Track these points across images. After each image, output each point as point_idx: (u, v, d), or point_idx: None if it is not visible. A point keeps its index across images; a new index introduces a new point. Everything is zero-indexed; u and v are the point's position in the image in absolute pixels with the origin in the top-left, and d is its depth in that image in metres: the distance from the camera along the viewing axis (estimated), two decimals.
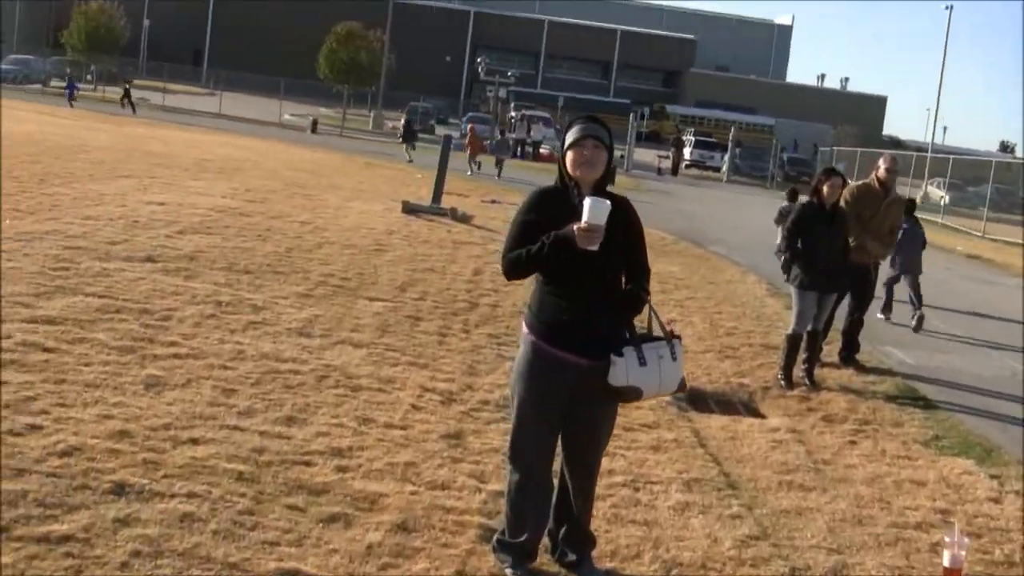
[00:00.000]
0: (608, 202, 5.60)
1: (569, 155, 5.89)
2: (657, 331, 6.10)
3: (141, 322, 10.54)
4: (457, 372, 10.59)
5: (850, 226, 12.84)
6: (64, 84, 65.09)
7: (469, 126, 48.97)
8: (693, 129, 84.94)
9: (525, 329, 6.07)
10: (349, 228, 19.62)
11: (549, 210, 5.86)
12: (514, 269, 5.92)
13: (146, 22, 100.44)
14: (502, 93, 59.28)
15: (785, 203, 23.62)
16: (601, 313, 5.88)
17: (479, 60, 60.29)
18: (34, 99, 59.80)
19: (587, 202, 5.55)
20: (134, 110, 59.43)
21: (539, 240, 5.73)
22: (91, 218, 16.57)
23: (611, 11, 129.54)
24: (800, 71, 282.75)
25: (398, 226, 20.99)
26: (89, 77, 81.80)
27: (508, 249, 5.95)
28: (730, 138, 67.35)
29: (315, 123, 61.09)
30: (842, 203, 12.75)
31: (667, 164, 62.28)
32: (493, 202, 29.73)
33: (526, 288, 16.04)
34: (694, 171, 68.50)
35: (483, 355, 11.48)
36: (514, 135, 60.35)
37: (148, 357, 9.40)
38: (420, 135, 64.12)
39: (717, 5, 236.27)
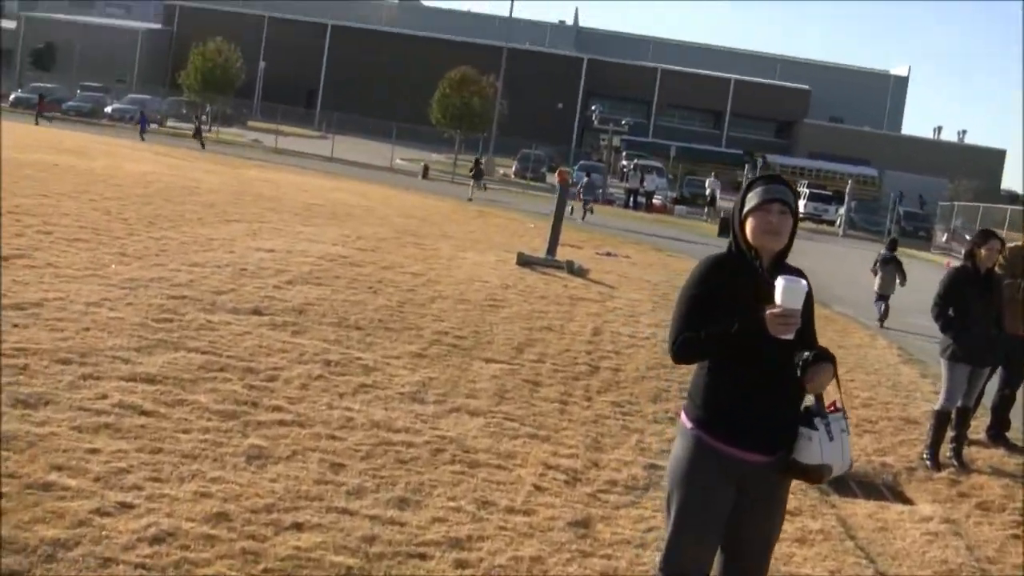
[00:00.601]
0: (804, 282, 4.81)
1: (750, 220, 5.12)
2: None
3: (245, 382, 9.88)
4: (581, 446, 9.80)
5: (1005, 292, 11.87)
6: (192, 126, 65.39)
7: (559, 170, 47.70)
8: (807, 182, 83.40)
9: (688, 423, 5.23)
10: (463, 281, 18.93)
11: (723, 282, 5.13)
12: (687, 355, 5.15)
13: (262, 64, 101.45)
14: (615, 141, 58.48)
15: (884, 251, 24.08)
16: (783, 402, 5.09)
17: (593, 108, 59.71)
18: (149, 139, 60.28)
19: (781, 283, 4.75)
20: (203, 146, 59.60)
21: (714, 317, 5.00)
22: (198, 265, 16.05)
23: (724, 60, 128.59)
24: (916, 123, 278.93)
25: (513, 280, 20.26)
26: (204, 117, 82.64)
27: (677, 331, 5.17)
28: (847, 191, 65.91)
29: (426, 169, 60.79)
30: (996, 268, 11.78)
31: None
32: (608, 254, 28.93)
33: (648, 351, 15.45)
34: (808, 224, 67.06)
35: (607, 426, 10.66)
36: (627, 184, 59.61)
37: (251, 424, 8.73)
38: (532, 182, 63.83)
39: (831, 55, 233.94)
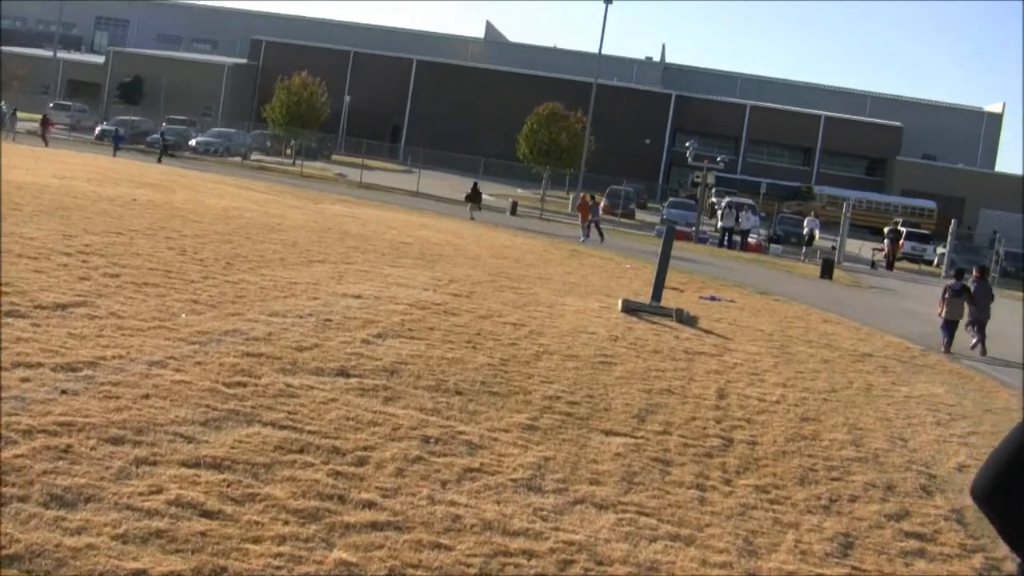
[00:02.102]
0: None
1: None
2: None
3: (330, 467, 8.25)
4: (732, 549, 8.06)
5: None
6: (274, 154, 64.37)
7: (581, 195, 49.86)
8: (901, 220, 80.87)
9: None
10: (567, 332, 17.21)
11: None
12: (1000, 513, 3.72)
13: (347, 98, 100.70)
14: (710, 178, 56.60)
15: (952, 280, 25.06)
16: None
17: (688, 144, 57.99)
18: (233, 172, 59.22)
19: None
20: (164, 157, 59.36)
21: None
22: (278, 314, 14.49)
23: (814, 96, 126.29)
24: (1011, 160, 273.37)
25: (621, 330, 18.53)
26: (288, 151, 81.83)
27: (1000, 471, 3.79)
28: (951, 230, 63.31)
29: (515, 205, 59.22)
30: None
31: (880, 256, 58.82)
32: (712, 299, 27.12)
33: (781, 418, 13.63)
34: (905, 264, 64.63)
35: (756, 520, 8.90)
36: (722, 223, 57.62)
37: (337, 527, 7.07)
38: (621, 219, 62.07)
39: (923, 91, 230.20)
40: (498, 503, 8.15)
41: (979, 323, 24.42)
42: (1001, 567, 8.85)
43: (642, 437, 11.09)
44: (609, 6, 73.81)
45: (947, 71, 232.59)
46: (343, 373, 11.57)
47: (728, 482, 10.00)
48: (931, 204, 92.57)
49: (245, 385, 10.31)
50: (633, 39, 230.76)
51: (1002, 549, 8.87)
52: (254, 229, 26.11)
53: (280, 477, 7.85)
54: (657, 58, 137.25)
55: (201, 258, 19.13)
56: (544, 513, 8.10)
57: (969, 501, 10.94)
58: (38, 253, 16.54)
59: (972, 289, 24.71)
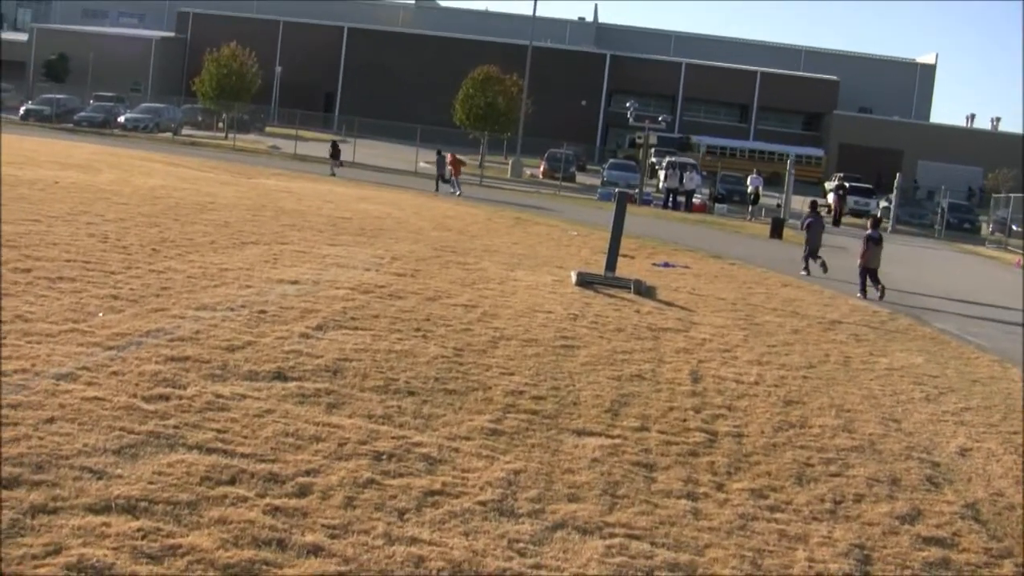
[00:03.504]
0: None
1: None
2: None
3: (267, 502, 7.01)
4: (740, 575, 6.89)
5: None
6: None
7: (449, 155, 49.48)
8: (842, 173, 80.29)
9: None
10: (523, 312, 15.97)
11: None
12: None
13: (278, 68, 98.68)
14: (652, 139, 55.33)
15: (871, 230, 26.12)
16: None
17: (628, 104, 56.66)
18: (164, 149, 57.37)
19: None
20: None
21: None
22: (207, 307, 13.15)
23: (749, 53, 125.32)
24: (948, 112, 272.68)
25: (578, 306, 17.32)
26: (220, 124, 79.82)
27: None
28: (896, 184, 62.61)
29: None
30: None
31: (826, 213, 58.01)
32: (665, 265, 26.02)
33: (764, 403, 12.44)
34: (852, 220, 63.75)
35: (759, 535, 7.80)
36: (665, 184, 56.53)
37: None
38: (562, 183, 60.86)
39: (858, 45, 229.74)
40: (466, 535, 6.95)
41: (812, 250, 28.72)
42: None
43: (619, 436, 9.92)
44: None
45: (881, 24, 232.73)
46: (280, 376, 10.29)
47: (720, 487, 8.87)
48: (819, 152, 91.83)
49: (168, 399, 9.02)
50: (565, 1, 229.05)
51: None
52: (183, 209, 24.66)
53: (207, 519, 6.60)
54: (590, 19, 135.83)
55: (124, 245, 17.72)
56: (521, 546, 6.92)
57: (982, 492, 9.93)
58: None
59: (808, 222, 29.59)
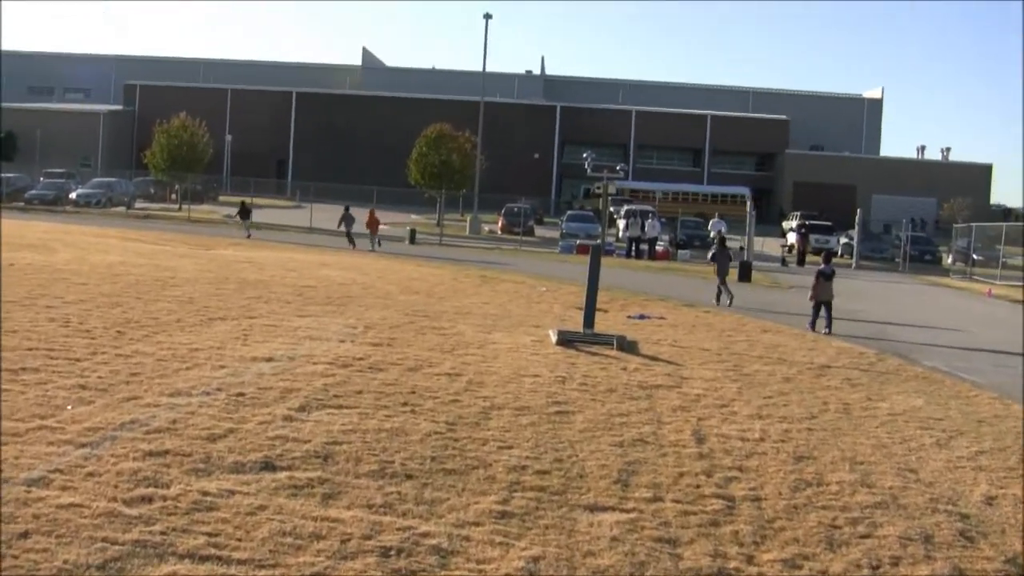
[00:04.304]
0: None
1: None
2: None
3: None
4: None
5: None
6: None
7: (369, 209, 51.95)
8: (800, 212, 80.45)
9: None
10: (509, 378, 15.35)
11: None
12: None
13: (228, 137, 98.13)
14: (611, 188, 54.94)
15: (823, 266, 26.93)
16: None
17: (585, 155, 56.27)
18: (118, 223, 56.53)
19: None
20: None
21: None
22: (181, 393, 12.45)
23: (698, 97, 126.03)
24: (898, 144, 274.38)
25: (564, 367, 16.72)
26: (173, 196, 79.01)
27: None
28: (857, 220, 62.51)
29: (413, 233, 57.12)
30: None
31: (789, 253, 57.77)
32: (641, 317, 25.50)
33: (774, 461, 11.98)
34: (813, 259, 63.46)
35: None
36: (627, 233, 56.15)
37: None
38: (523, 236, 60.42)
39: (805, 83, 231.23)
40: None
41: (720, 280, 31.37)
42: None
43: (633, 509, 9.30)
44: (488, 22, 72.22)
45: (826, 61, 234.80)
46: (268, 466, 9.61)
47: (750, 559, 8.28)
48: (743, 190, 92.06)
49: (151, 500, 8.33)
50: (511, 54, 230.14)
51: None
52: (144, 286, 23.94)
53: None
54: (537, 71, 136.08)
55: (87, 328, 17.00)
56: None
57: (1019, 544, 9.39)
58: None
59: (713, 254, 33.17)
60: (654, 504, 9.55)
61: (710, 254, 33.95)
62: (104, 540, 7.37)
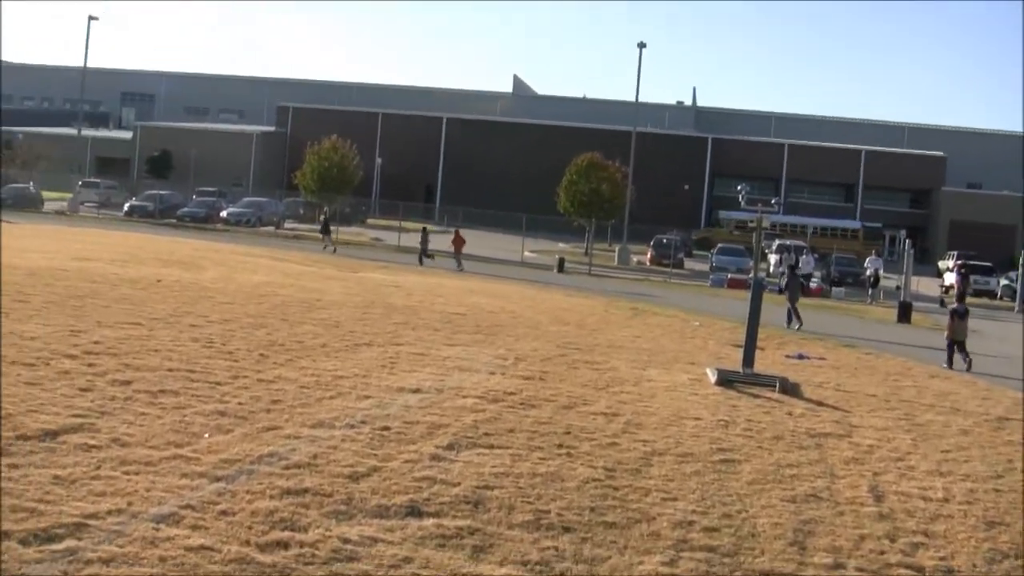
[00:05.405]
0: None
1: None
2: None
3: None
4: None
5: None
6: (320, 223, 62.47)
7: (455, 229, 53.66)
8: (956, 252, 77.84)
9: None
10: (669, 420, 14.42)
11: None
12: None
13: (378, 160, 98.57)
14: (765, 223, 53.61)
15: (956, 304, 27.22)
16: None
17: (740, 188, 54.91)
18: (266, 242, 56.86)
19: None
20: (330, 247, 57.37)
21: None
22: (323, 424, 11.79)
23: (850, 131, 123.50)
24: None
25: (725, 410, 15.74)
26: (322, 217, 79.39)
27: None
28: (1021, 261, 59.89)
29: (562, 261, 56.40)
30: None
31: (948, 293, 55.68)
32: (800, 357, 24.36)
33: (962, 525, 10.70)
34: (970, 298, 61.02)
35: None
36: (782, 269, 54.63)
37: None
38: (672, 269, 59.37)
39: (962, 119, 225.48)
40: None
41: (791, 305, 34.47)
42: None
43: None
44: (640, 51, 71.34)
45: (984, 97, 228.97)
46: (414, 512, 8.84)
47: None
48: (855, 224, 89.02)
49: (287, 546, 7.61)
50: (661, 84, 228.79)
51: None
52: (290, 308, 23.51)
53: None
54: (688, 102, 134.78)
55: (230, 350, 16.50)
56: None
57: None
58: (37, 358, 13.95)
59: (786, 282, 36.41)
60: (836, 572, 8.59)
61: (783, 282, 36.56)
62: None
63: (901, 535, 9.89)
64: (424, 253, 51.34)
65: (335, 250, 53.33)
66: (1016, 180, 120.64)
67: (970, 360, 25.16)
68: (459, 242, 51.10)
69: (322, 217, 60.23)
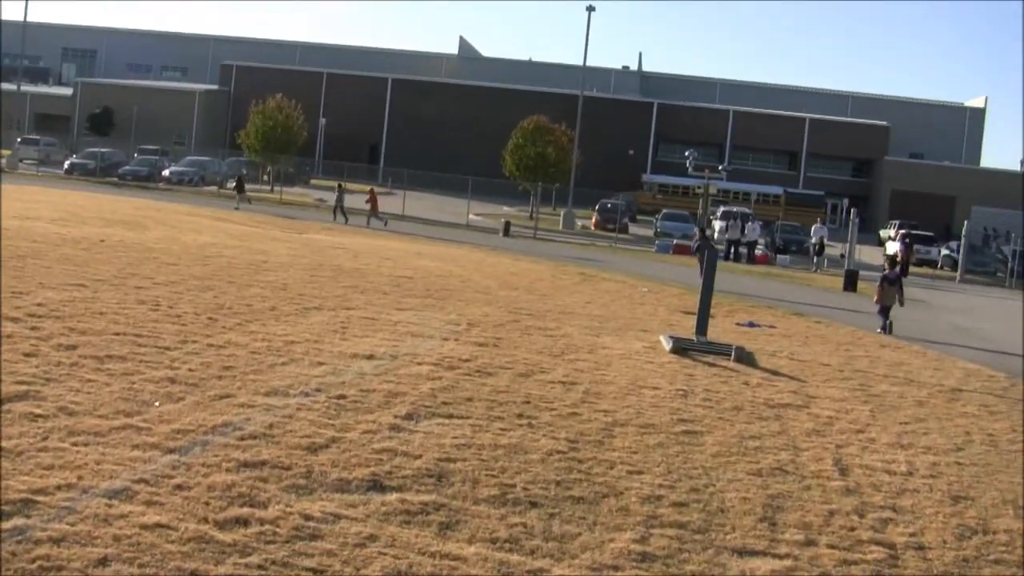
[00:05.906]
0: None
1: None
2: None
3: None
4: None
5: None
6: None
7: (370, 188, 56.12)
8: (899, 221, 78.30)
9: None
10: (627, 389, 14.21)
11: None
12: None
13: (322, 120, 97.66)
14: (712, 188, 53.51)
15: (888, 270, 28.09)
16: None
17: (687, 153, 54.34)
18: (209, 202, 56.14)
19: None
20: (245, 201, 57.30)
21: None
22: (278, 392, 11.47)
23: (797, 99, 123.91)
24: (1000, 156, 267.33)
25: (682, 379, 15.55)
26: (265, 177, 78.51)
27: None
28: (963, 232, 60.26)
29: (508, 225, 56.06)
30: None
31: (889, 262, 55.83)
32: (750, 325, 24.27)
33: (930, 502, 10.54)
34: (914, 269, 61.35)
35: None
36: (727, 235, 54.58)
37: None
38: (617, 234, 59.20)
39: (906, 90, 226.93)
40: None
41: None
42: None
43: (787, 555, 8.17)
44: (589, 15, 70.92)
45: (927, 67, 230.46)
46: (376, 485, 8.56)
47: None
48: (778, 190, 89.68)
49: (247, 523, 7.31)
50: (607, 49, 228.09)
51: None
52: (237, 270, 23.10)
53: None
54: (634, 67, 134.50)
55: (178, 313, 16.12)
56: None
57: None
58: None
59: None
60: (808, 549, 8.40)
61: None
62: (193, 575, 6.35)
63: (869, 511, 9.73)
64: (340, 209, 53.07)
65: (238, 208, 53.83)
66: (957, 151, 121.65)
67: (890, 323, 25.81)
68: (373, 201, 53.04)
69: (238, 178, 60.77)
